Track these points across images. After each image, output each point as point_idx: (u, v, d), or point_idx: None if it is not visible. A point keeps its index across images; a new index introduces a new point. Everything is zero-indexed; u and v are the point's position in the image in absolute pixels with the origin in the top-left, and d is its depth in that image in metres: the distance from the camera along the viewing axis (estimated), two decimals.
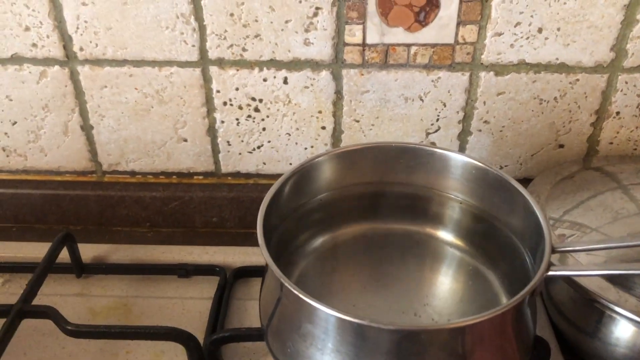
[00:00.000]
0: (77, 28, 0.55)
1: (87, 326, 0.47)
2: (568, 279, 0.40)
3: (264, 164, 0.63)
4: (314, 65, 0.56)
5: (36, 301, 0.51)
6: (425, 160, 0.46)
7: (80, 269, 0.57)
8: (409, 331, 0.32)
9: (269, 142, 0.61)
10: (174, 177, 0.64)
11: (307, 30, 0.54)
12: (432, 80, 0.57)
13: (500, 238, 0.44)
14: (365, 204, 0.48)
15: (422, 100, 0.58)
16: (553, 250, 0.36)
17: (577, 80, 0.56)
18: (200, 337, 0.48)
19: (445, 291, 0.46)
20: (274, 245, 0.39)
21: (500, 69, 0.56)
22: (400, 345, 0.33)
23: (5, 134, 0.61)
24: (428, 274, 0.47)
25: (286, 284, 0.35)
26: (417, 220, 0.48)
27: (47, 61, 0.57)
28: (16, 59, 0.57)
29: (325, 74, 0.57)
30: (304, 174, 0.45)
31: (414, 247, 0.48)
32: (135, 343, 0.50)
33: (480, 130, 0.59)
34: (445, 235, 0.48)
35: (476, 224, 0.46)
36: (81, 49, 0.56)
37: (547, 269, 0.35)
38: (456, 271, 0.47)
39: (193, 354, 0.46)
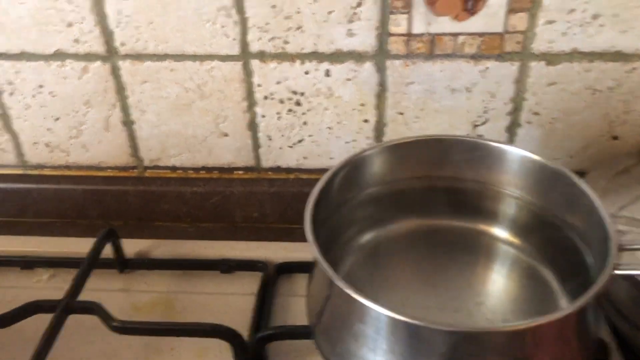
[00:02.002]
0: (119, 23, 0.55)
1: (132, 322, 0.47)
2: (633, 279, 0.38)
3: (305, 158, 0.62)
4: (357, 56, 0.55)
5: (81, 297, 0.51)
6: (479, 153, 0.44)
7: (123, 264, 0.57)
8: (467, 333, 0.31)
9: (310, 136, 0.60)
10: (215, 172, 0.64)
11: (350, 21, 0.53)
12: (480, 71, 0.55)
13: (558, 235, 0.42)
14: (415, 199, 0.46)
15: (469, 91, 0.56)
16: (620, 248, 0.34)
17: (634, 69, 0.53)
18: (244, 334, 0.47)
19: (499, 290, 0.44)
20: (322, 241, 0.38)
21: (551, 58, 0.54)
22: (457, 347, 0.31)
23: (49, 129, 0.62)
24: (481, 272, 0.45)
25: (337, 282, 0.34)
26: (469, 216, 0.47)
27: (89, 57, 0.57)
28: (59, 55, 0.57)
29: (368, 66, 0.55)
30: (353, 167, 0.44)
31: (466, 245, 0.46)
32: (180, 340, 0.50)
33: (529, 122, 0.57)
34: (499, 232, 0.46)
35: (532, 220, 0.44)
36: (122, 44, 0.56)
37: (614, 268, 0.33)
38: (510, 269, 0.45)
39: (238, 352, 0.45)
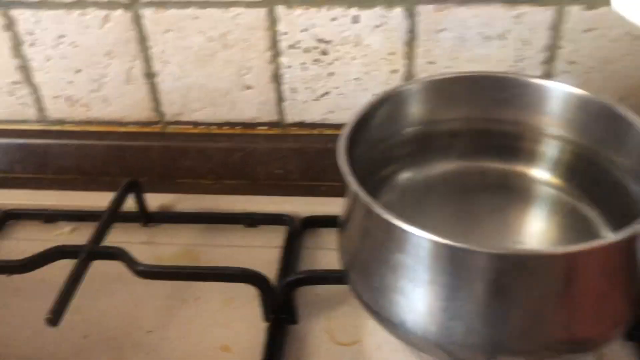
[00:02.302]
0: None
1: (158, 267, 0.45)
2: None
3: (331, 112, 0.60)
4: (387, 1, 0.53)
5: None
6: (518, 91, 0.42)
7: (146, 217, 0.56)
8: (519, 256, 0.29)
9: (337, 88, 0.58)
10: (238, 127, 0.62)
11: None
12: (514, 17, 0.52)
13: (604, 175, 0.40)
14: (453, 140, 0.44)
15: (502, 39, 0.54)
16: None
17: None
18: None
19: (540, 231, 0.42)
20: (356, 176, 0.36)
21: (590, 3, 0.51)
22: (504, 272, 0.29)
23: (70, 82, 0.60)
24: (521, 214, 0.43)
25: (375, 209, 0.32)
26: (508, 158, 0.44)
27: (111, 4, 0.55)
28: (80, 3, 0.56)
29: (398, 11, 0.53)
30: (391, 102, 0.42)
31: (504, 187, 0.44)
32: (204, 289, 0.49)
33: (565, 72, 0.55)
34: (539, 173, 0.44)
35: (575, 160, 0.42)
36: None
37: None
38: (552, 211, 0.43)
39: (266, 297, 0.44)
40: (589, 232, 0.40)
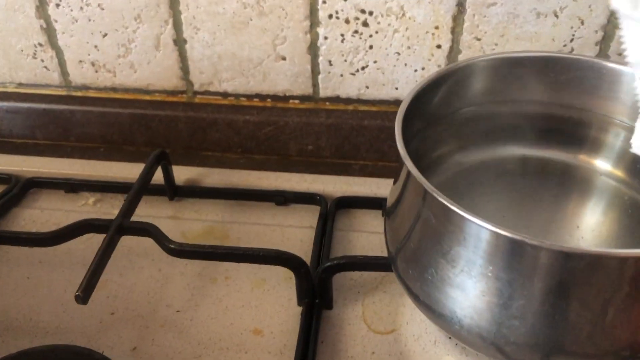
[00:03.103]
0: None
1: (190, 245, 0.43)
2: None
3: (367, 87, 0.57)
4: None
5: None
6: (589, 75, 0.39)
7: (173, 191, 0.54)
8: (589, 255, 0.27)
9: (375, 62, 0.55)
10: (269, 100, 0.59)
11: None
12: None
13: None
14: (513, 124, 0.42)
15: (556, 16, 0.51)
16: None
17: None
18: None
19: (599, 223, 0.40)
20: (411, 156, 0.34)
21: None
22: (573, 272, 0.27)
23: (95, 46, 0.58)
24: (579, 205, 0.41)
25: (433, 194, 0.29)
26: (570, 145, 0.42)
27: None
28: None
29: None
30: (450, 78, 0.39)
31: (564, 175, 0.41)
32: (235, 269, 0.47)
33: (620, 54, 0.52)
34: (602, 164, 0.41)
35: None
36: None
37: None
38: (613, 203, 0.41)
39: (303, 281, 0.42)
40: None
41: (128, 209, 0.46)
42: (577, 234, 0.39)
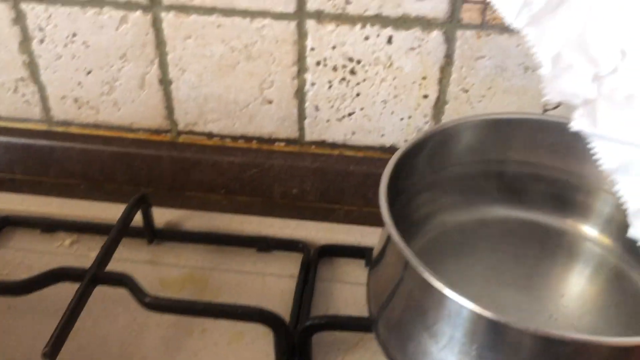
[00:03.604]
0: None
1: (166, 299, 0.42)
2: None
3: (353, 133, 0.57)
4: (425, 23, 0.49)
5: (107, 267, 0.47)
6: (577, 139, 0.39)
7: (152, 234, 0.53)
8: (586, 344, 0.26)
9: (362, 109, 0.55)
10: (254, 142, 0.59)
11: None
12: None
13: None
14: (498, 184, 0.41)
15: None
16: None
17: None
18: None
19: (584, 292, 0.39)
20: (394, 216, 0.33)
21: None
22: (565, 358, 0.26)
23: (79, 83, 0.57)
24: (565, 272, 0.40)
25: (420, 271, 0.29)
26: (554, 209, 0.41)
27: (129, 5, 0.52)
28: (96, 2, 0.52)
29: (436, 35, 0.50)
30: (435, 139, 0.39)
31: (550, 241, 0.41)
32: (213, 321, 0.46)
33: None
34: (588, 229, 0.41)
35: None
36: None
37: None
38: (598, 272, 0.40)
39: (282, 340, 0.41)
40: (638, 300, 0.37)
41: (104, 256, 0.45)
42: (561, 302, 0.38)
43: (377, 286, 0.35)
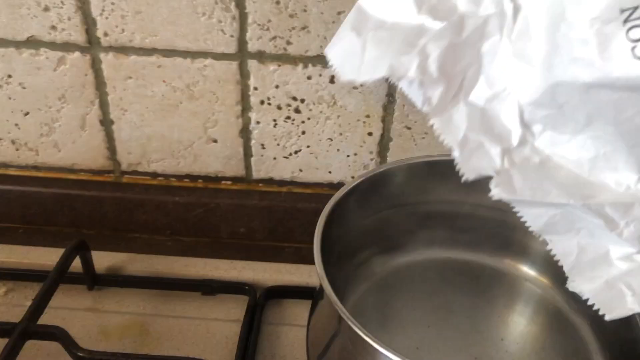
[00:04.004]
0: (103, 10, 0.49)
1: (101, 353, 0.41)
2: None
3: (301, 170, 0.57)
4: None
5: (43, 317, 0.45)
6: None
7: (92, 280, 0.51)
8: None
9: (308, 147, 0.55)
10: (200, 181, 0.58)
11: None
12: None
13: None
14: (436, 226, 0.41)
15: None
16: None
17: None
18: None
19: (524, 335, 0.39)
20: (328, 265, 0.33)
21: None
22: None
23: (16, 125, 0.55)
24: (505, 314, 0.40)
25: (353, 326, 0.28)
26: (493, 250, 0.42)
27: (67, 46, 0.51)
28: (33, 43, 0.51)
29: None
30: (371, 184, 0.38)
31: (489, 281, 0.41)
32: None
33: None
34: (526, 269, 0.41)
35: None
36: (105, 34, 0.50)
37: None
38: (538, 312, 0.40)
39: None
40: (579, 347, 0.37)
41: (37, 307, 0.43)
42: (502, 346, 0.38)
43: (315, 336, 0.35)
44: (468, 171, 0.29)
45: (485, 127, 0.29)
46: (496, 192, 0.29)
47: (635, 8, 0.27)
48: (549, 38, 0.28)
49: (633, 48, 0.27)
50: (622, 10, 0.27)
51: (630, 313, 0.28)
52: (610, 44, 0.27)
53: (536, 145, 0.29)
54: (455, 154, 0.30)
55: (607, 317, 0.29)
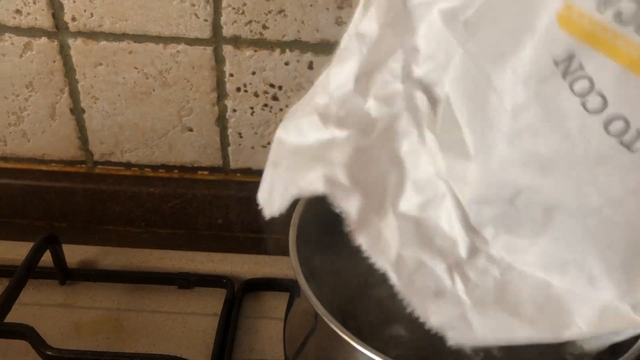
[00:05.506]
0: None
1: (71, 352, 0.39)
2: None
3: None
4: None
5: (12, 313, 0.43)
6: None
7: (64, 274, 0.49)
8: None
9: None
10: (176, 171, 0.56)
11: (340, 7, 0.47)
12: None
13: None
14: None
15: None
16: None
17: None
18: None
19: None
20: (304, 259, 0.32)
21: None
22: None
23: None
24: None
25: (329, 322, 0.27)
26: None
27: (33, 31, 0.49)
28: None
29: None
30: None
31: None
32: None
33: None
34: None
35: None
36: (73, 19, 0.48)
37: None
38: None
39: None
40: None
41: (4, 305, 0.41)
42: None
43: (292, 330, 0.34)
44: (413, 300, 0.24)
45: (422, 241, 0.25)
46: (453, 337, 0.24)
47: (571, 58, 0.22)
48: (479, 117, 0.24)
49: (584, 103, 0.22)
50: (557, 63, 0.22)
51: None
52: (556, 105, 0.23)
53: (492, 253, 0.25)
54: (393, 279, 0.25)
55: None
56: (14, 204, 0.56)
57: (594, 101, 0.22)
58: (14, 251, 0.50)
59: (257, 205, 0.57)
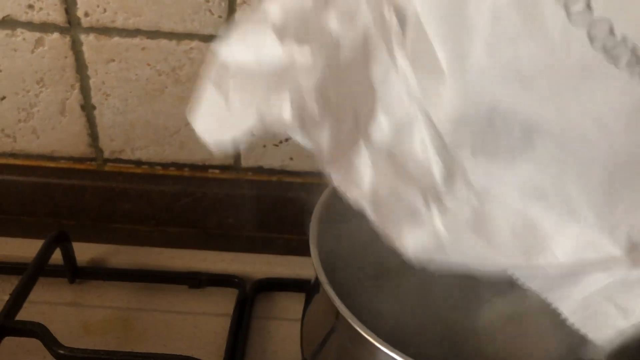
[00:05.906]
0: None
1: (82, 351, 0.38)
2: None
3: (291, 159, 0.55)
4: None
5: (22, 312, 0.42)
6: None
7: (73, 273, 0.49)
8: None
9: None
10: (187, 169, 0.55)
11: None
12: None
13: None
14: None
15: None
16: None
17: None
18: None
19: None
20: (324, 258, 0.31)
21: None
22: None
23: None
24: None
25: (352, 323, 0.26)
26: None
27: (45, 27, 0.48)
28: (8, 23, 0.48)
29: None
30: None
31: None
32: None
33: None
34: None
35: None
36: (86, 14, 0.47)
37: None
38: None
39: None
40: None
41: (15, 302, 0.41)
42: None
43: (310, 330, 0.33)
44: (394, 233, 0.23)
45: (396, 169, 0.23)
46: (426, 262, 0.23)
47: None
48: (454, 26, 0.21)
49: (567, 7, 0.20)
50: None
51: (617, 332, 0.24)
52: (539, 10, 0.20)
53: (470, 179, 0.23)
54: (368, 212, 0.24)
55: (594, 339, 0.24)
56: (23, 201, 0.56)
57: (577, 6, 0.20)
58: (22, 249, 0.50)
59: (269, 204, 0.57)
